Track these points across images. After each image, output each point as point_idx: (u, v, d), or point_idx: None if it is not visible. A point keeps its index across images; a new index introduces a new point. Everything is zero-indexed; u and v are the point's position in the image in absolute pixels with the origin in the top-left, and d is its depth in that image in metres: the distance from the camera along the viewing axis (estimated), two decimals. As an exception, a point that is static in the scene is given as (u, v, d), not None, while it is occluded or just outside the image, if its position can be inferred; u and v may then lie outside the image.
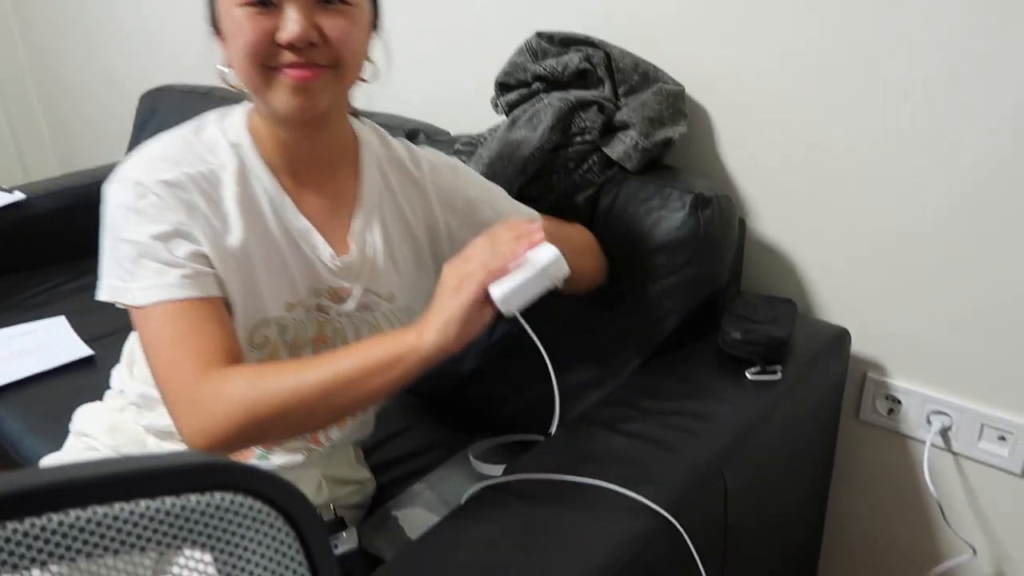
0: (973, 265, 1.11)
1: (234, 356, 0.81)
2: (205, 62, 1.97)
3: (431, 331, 0.78)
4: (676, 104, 1.21)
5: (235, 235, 0.86)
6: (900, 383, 1.24)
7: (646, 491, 0.85)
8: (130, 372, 1.05)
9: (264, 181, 0.89)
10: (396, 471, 1.22)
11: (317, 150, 0.91)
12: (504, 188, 1.11)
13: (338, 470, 1.09)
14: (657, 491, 0.85)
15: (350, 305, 0.94)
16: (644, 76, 1.21)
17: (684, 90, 1.24)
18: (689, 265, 1.13)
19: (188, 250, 0.83)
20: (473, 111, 1.39)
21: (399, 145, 1.03)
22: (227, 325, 0.83)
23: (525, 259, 0.81)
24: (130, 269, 0.82)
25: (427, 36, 1.59)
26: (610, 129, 1.19)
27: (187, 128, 0.91)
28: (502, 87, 1.28)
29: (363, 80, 0.91)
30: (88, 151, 2.70)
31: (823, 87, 1.15)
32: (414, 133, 1.43)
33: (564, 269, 0.82)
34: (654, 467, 0.91)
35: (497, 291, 0.79)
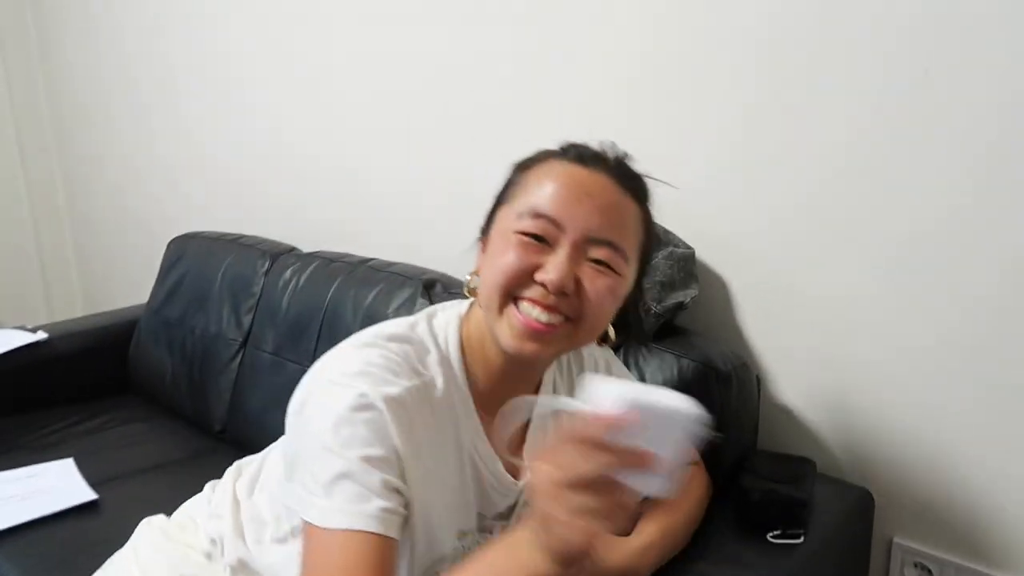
0: (991, 433, 1.09)
1: None
2: (232, 212, 2.06)
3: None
4: (687, 267, 1.24)
5: (427, 461, 0.79)
6: (930, 550, 1.18)
7: None
8: (239, 535, 0.97)
9: (464, 402, 0.83)
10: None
11: (522, 379, 0.87)
12: None
13: None
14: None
15: (512, 520, 0.89)
16: (657, 240, 1.24)
17: (695, 253, 1.27)
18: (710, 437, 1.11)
19: (393, 483, 0.75)
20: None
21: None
22: (395, 571, 0.75)
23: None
24: (327, 485, 0.73)
25: (438, 187, 1.66)
26: None
27: (401, 327, 0.84)
28: None
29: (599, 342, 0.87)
30: (114, 291, 2.77)
31: (834, 244, 1.18)
32: (431, 283, 1.46)
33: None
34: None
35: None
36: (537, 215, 0.76)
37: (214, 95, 2.15)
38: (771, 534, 1.03)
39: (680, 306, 1.21)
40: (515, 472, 0.87)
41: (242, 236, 1.93)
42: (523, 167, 0.83)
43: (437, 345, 0.83)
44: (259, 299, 1.73)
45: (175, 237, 2.04)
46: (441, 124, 1.64)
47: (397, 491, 0.75)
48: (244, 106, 2.07)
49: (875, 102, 1.11)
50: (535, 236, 0.76)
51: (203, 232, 2.03)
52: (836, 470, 1.25)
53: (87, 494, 1.49)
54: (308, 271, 1.67)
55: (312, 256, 1.73)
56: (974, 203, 1.05)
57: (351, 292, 1.55)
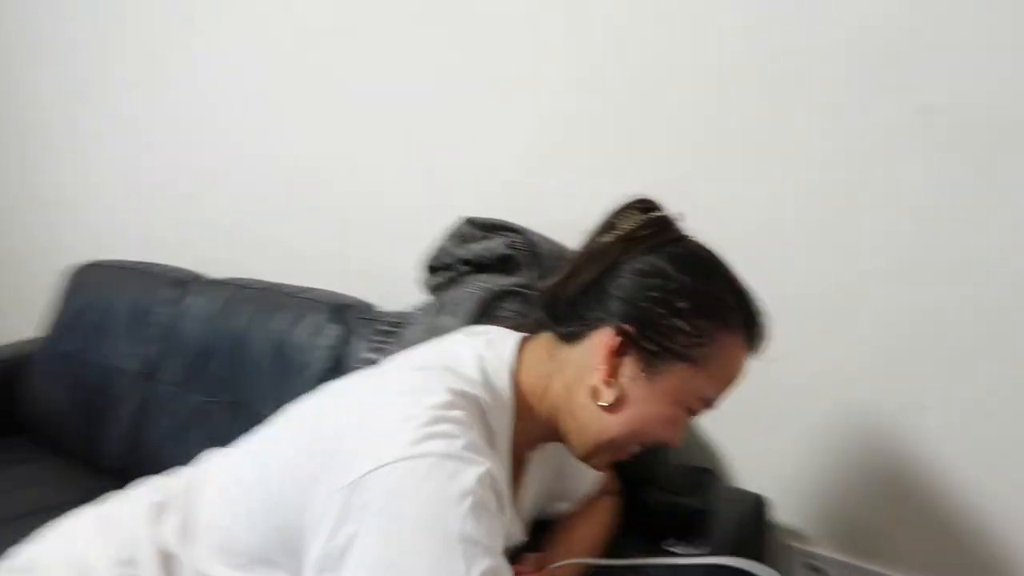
0: (883, 436, 1.17)
1: None
2: (138, 240, 1.99)
3: None
4: None
5: None
6: (823, 551, 1.25)
7: None
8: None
9: (504, 446, 0.80)
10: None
11: (541, 442, 0.89)
12: None
13: None
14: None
15: None
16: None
17: None
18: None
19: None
20: (400, 286, 1.44)
21: None
22: None
23: None
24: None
25: (357, 204, 1.67)
26: None
27: (464, 380, 0.77)
28: (430, 269, 1.34)
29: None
30: (6, 324, 2.63)
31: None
32: (340, 309, 1.46)
33: None
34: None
35: None
36: (711, 403, 0.82)
37: (117, 115, 2.11)
38: (672, 545, 1.07)
39: None
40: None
41: (148, 264, 1.88)
42: (707, 307, 0.78)
43: (495, 400, 0.79)
44: (163, 328, 1.69)
45: (76, 266, 1.97)
46: (356, 144, 1.66)
47: None
48: (152, 126, 2.04)
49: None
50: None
51: (106, 261, 1.96)
52: (735, 479, 1.31)
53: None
54: (215, 298, 1.64)
55: (220, 282, 1.70)
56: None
57: (260, 319, 1.53)
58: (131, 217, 2.13)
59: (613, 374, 0.78)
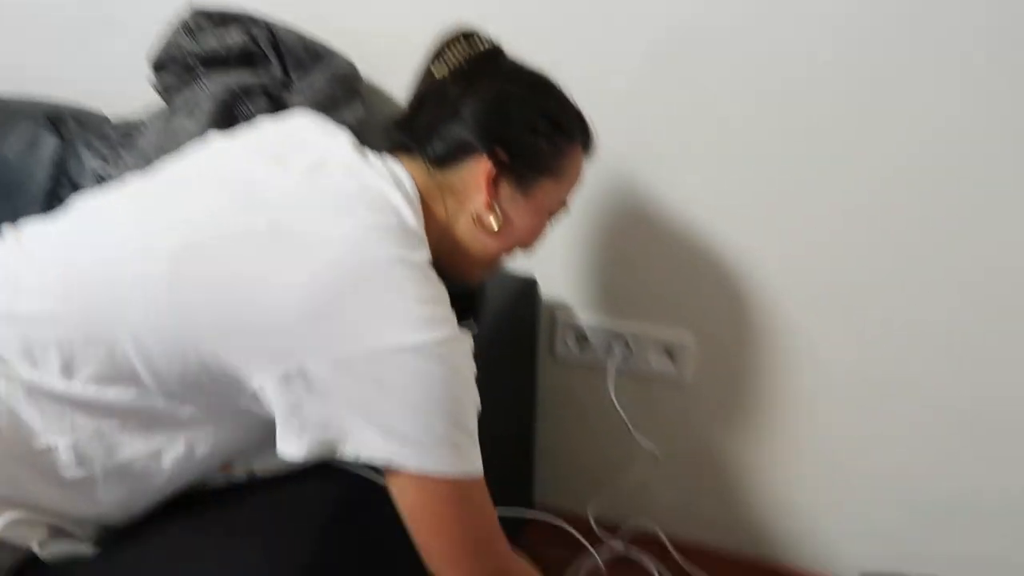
0: (633, 214, 1.25)
1: None
2: None
3: None
4: (349, 85, 1.19)
5: None
6: (585, 320, 1.37)
7: None
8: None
9: None
10: None
11: None
12: None
13: None
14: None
15: None
16: (314, 55, 1.18)
17: (357, 70, 1.22)
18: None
19: None
20: (129, 88, 1.26)
21: None
22: None
23: None
24: (473, 432, 0.76)
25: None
26: (279, 108, 1.14)
27: (397, 214, 0.78)
28: (157, 68, 1.17)
29: None
30: None
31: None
32: (59, 118, 1.26)
33: None
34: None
35: None
36: (565, 206, 0.95)
37: None
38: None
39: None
40: None
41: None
42: (558, 127, 0.89)
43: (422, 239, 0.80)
44: None
45: None
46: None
47: None
48: None
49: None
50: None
51: None
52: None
53: None
54: None
55: None
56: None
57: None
58: None
59: (494, 199, 0.85)
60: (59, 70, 1.42)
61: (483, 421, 0.76)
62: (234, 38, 1.13)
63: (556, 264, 1.34)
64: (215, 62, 1.13)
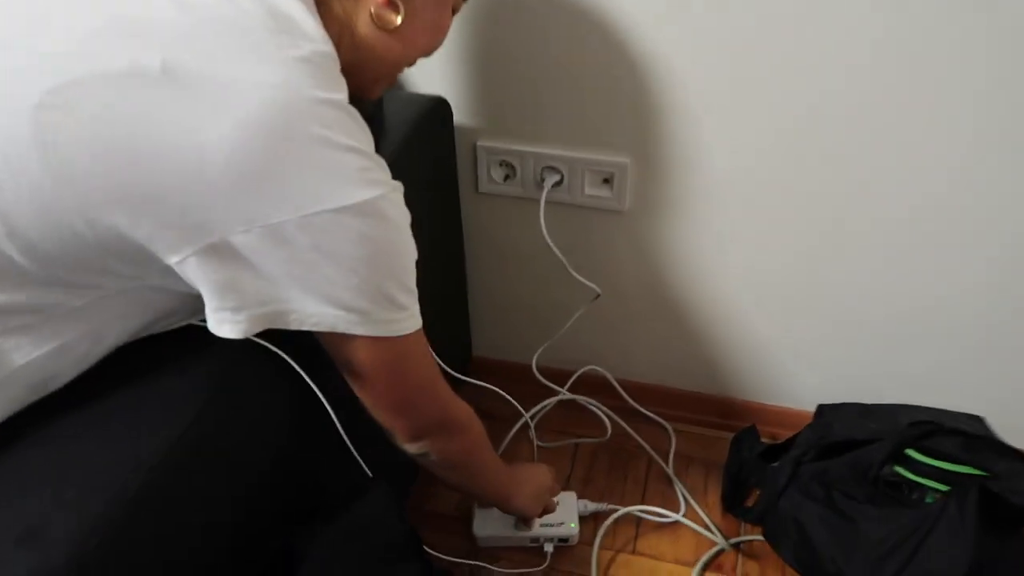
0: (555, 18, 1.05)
1: None
2: None
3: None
4: None
5: None
6: (511, 146, 1.19)
7: None
8: None
9: None
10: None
11: None
12: None
13: None
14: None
15: None
16: None
17: None
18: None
19: None
20: None
21: None
22: None
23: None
24: (412, 290, 0.72)
25: None
26: None
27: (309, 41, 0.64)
28: None
29: None
30: None
31: None
32: None
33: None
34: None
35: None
36: None
37: None
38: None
39: None
40: None
41: None
42: None
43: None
44: None
45: None
46: None
47: None
48: None
49: None
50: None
51: None
52: (409, 84, 1.16)
53: None
54: None
55: None
56: None
57: None
58: None
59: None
60: None
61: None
62: None
63: (465, 82, 1.14)
64: None
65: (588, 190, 1.20)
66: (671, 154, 1.13)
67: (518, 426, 1.37)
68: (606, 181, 1.18)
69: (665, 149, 1.13)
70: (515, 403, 1.24)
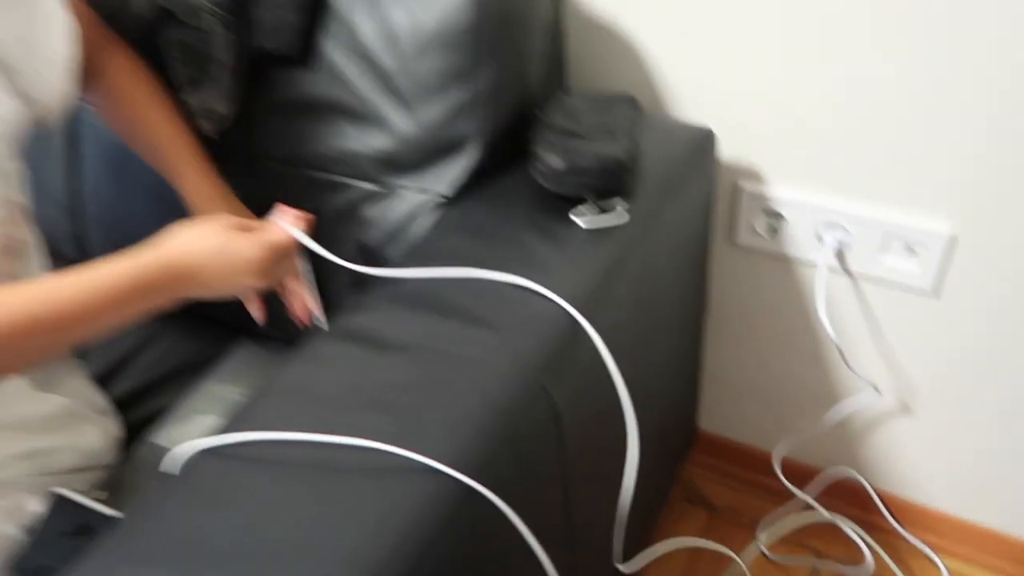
0: (856, 32, 0.78)
1: None
2: None
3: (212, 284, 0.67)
4: None
5: None
6: (782, 192, 0.93)
7: (430, 443, 0.53)
8: None
9: None
10: (158, 399, 0.88)
11: None
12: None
13: (7, 410, 0.71)
14: (447, 441, 0.53)
15: None
16: None
17: None
18: (482, 65, 0.74)
19: None
20: None
21: None
22: None
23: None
24: None
25: None
26: None
27: None
28: None
29: None
30: None
31: None
32: None
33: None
34: (439, 399, 0.57)
35: None
36: None
37: None
38: (578, 213, 0.72)
39: None
40: None
41: None
42: None
43: None
44: None
45: None
46: None
47: None
48: None
49: None
50: None
51: None
52: (669, 105, 0.93)
53: None
54: None
55: None
56: None
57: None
58: None
59: None
60: None
61: (638, 320, 0.62)
62: None
63: (743, 112, 0.89)
64: None
65: (885, 260, 0.92)
66: (1018, 226, 0.82)
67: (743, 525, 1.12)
68: (912, 251, 0.90)
69: (1012, 218, 0.82)
70: (756, 486, 0.98)
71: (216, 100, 0.79)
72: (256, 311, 0.81)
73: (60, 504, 0.67)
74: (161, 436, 0.83)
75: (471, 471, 0.52)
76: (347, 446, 0.53)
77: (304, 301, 0.79)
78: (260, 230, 0.69)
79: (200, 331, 0.97)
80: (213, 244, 0.65)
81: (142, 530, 0.51)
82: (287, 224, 0.70)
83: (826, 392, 1.05)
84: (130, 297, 0.61)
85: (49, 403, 0.75)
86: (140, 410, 0.87)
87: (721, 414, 1.19)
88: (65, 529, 0.66)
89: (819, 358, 1.02)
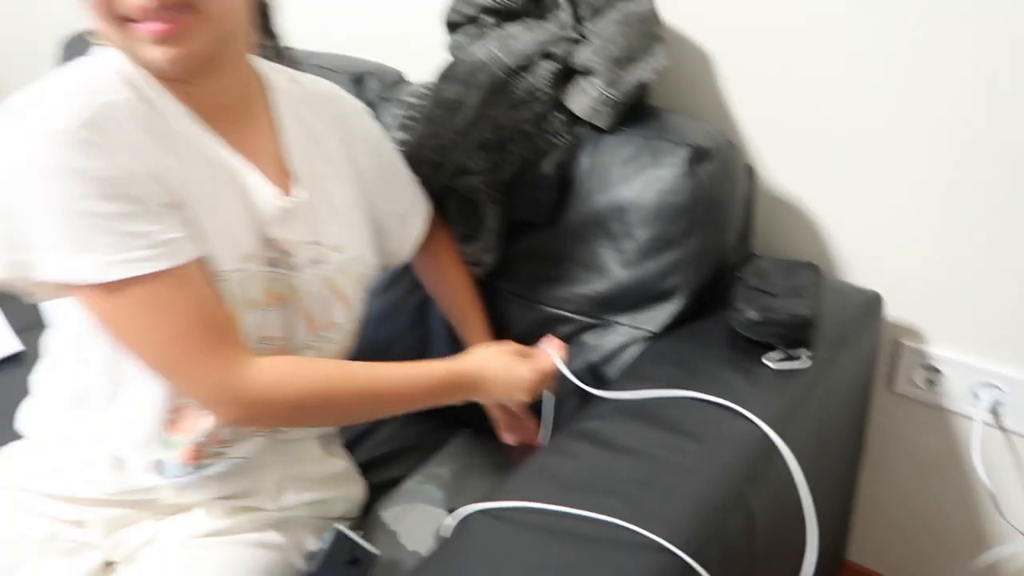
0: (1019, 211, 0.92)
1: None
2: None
3: (494, 394, 0.88)
4: (649, 29, 1.00)
5: (177, 173, 0.72)
6: (940, 351, 1.06)
7: (657, 525, 0.69)
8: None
9: (177, 115, 0.75)
10: (389, 470, 1.06)
11: (218, 97, 0.78)
12: (445, 158, 0.98)
13: (304, 467, 0.92)
14: (670, 525, 0.69)
15: (301, 257, 0.82)
16: None
17: (654, 9, 1.01)
18: (692, 234, 0.94)
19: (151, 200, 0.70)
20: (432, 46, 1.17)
21: (309, 80, 0.92)
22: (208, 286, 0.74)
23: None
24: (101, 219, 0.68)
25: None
26: (570, 73, 0.99)
27: (63, 73, 0.72)
28: (450, 27, 1.07)
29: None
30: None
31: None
32: (360, 79, 1.21)
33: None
34: (662, 492, 0.74)
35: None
36: None
37: None
38: (771, 358, 0.89)
39: (644, 86, 0.99)
40: (284, 185, 0.81)
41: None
42: None
43: (117, 72, 0.72)
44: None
45: (71, 36, 1.73)
46: None
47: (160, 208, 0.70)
48: None
49: None
50: None
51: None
52: (842, 271, 1.09)
53: (12, 344, 1.34)
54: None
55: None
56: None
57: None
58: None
59: None
60: (361, 31, 1.38)
61: (814, 447, 0.71)
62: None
63: (908, 279, 1.05)
64: (503, 13, 1.01)
65: (1040, 420, 1.02)
66: None
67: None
68: (1066, 413, 1.00)
69: None
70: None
71: (483, 252, 1.02)
72: (509, 425, 1.01)
73: (340, 538, 0.84)
74: (388, 510, 0.98)
75: (690, 552, 0.68)
76: (591, 519, 0.70)
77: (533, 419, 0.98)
78: (534, 357, 0.89)
79: (425, 418, 1.18)
80: (502, 364, 0.86)
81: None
82: (553, 351, 0.89)
83: (976, 538, 1.13)
84: (437, 392, 0.84)
85: (334, 465, 0.97)
86: (371, 477, 1.04)
87: (870, 549, 1.27)
88: (343, 559, 0.84)
89: (971, 504, 1.10)
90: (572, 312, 1.01)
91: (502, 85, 0.95)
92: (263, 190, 0.79)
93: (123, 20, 0.68)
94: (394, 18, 1.34)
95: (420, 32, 1.19)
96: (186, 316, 0.70)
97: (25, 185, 0.66)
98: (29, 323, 1.36)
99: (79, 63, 0.74)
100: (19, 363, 1.33)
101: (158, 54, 0.69)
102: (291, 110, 0.85)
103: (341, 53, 1.30)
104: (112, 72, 0.72)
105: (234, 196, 0.77)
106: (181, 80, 0.74)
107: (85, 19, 0.69)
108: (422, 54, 1.14)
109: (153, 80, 0.73)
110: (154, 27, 0.67)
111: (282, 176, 0.82)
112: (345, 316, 0.87)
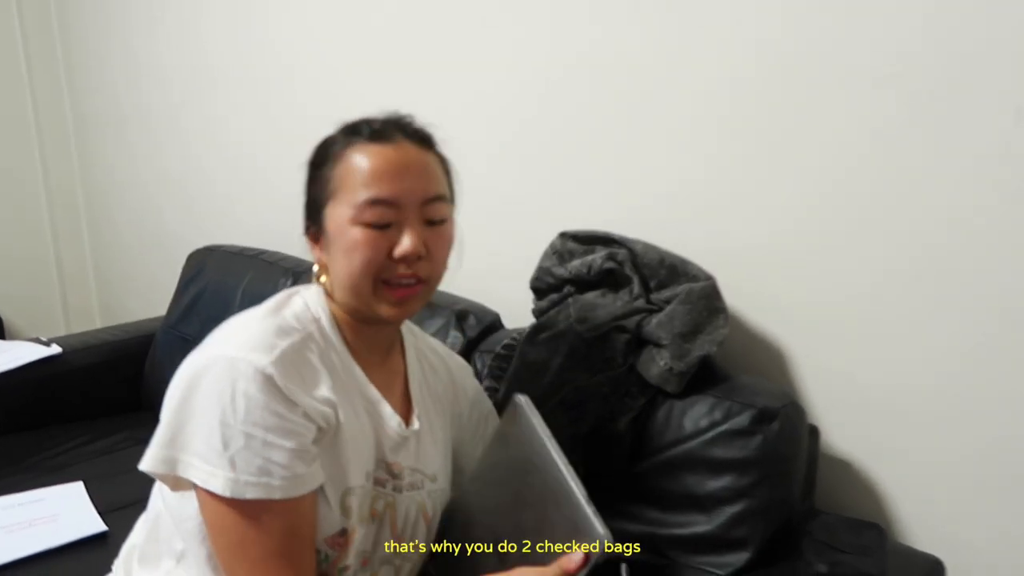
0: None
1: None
2: (254, 225, 1.95)
3: None
4: (710, 303, 1.12)
5: (338, 404, 0.84)
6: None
7: None
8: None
9: (340, 352, 0.89)
10: None
11: (381, 339, 0.94)
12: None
13: None
14: None
15: (404, 480, 0.92)
16: (671, 270, 1.14)
17: (715, 283, 1.14)
18: (759, 488, 1.00)
19: (300, 444, 0.79)
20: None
21: (422, 333, 1.07)
22: (310, 520, 0.82)
23: None
24: (230, 456, 0.77)
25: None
26: (641, 343, 1.11)
27: (267, 307, 0.88)
28: (535, 291, 1.23)
29: None
30: (132, 303, 2.70)
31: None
32: (464, 315, 1.37)
33: None
34: None
35: None
36: (374, 203, 0.82)
37: (241, 107, 2.07)
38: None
39: (706, 358, 1.10)
40: (406, 417, 0.93)
41: (263, 251, 1.84)
42: (320, 162, 0.88)
43: (308, 307, 0.88)
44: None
45: (195, 250, 1.97)
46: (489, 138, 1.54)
47: (304, 450, 0.78)
48: (271, 118, 1.99)
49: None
50: (380, 225, 0.83)
51: (223, 245, 1.94)
52: (902, 534, 1.14)
53: (96, 524, 1.41)
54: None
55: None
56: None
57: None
58: (253, 203, 2.10)
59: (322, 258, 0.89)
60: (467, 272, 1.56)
61: None
62: (597, 260, 1.15)
63: (970, 542, 1.07)
64: (581, 283, 1.16)
65: None
66: None
67: None
68: None
69: None
70: None
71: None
72: None
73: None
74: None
75: None
76: None
77: None
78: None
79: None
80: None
81: None
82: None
83: None
84: None
85: None
86: None
87: None
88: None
89: None
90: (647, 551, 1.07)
91: (583, 354, 1.08)
92: (391, 420, 0.90)
93: (379, 282, 0.84)
94: (494, 261, 1.52)
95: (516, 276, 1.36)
96: (273, 544, 0.77)
97: (207, 402, 0.76)
98: (112, 504, 1.45)
99: (287, 294, 0.90)
100: (102, 543, 1.40)
101: (392, 312, 0.85)
102: (415, 354, 1.00)
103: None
104: (309, 308, 0.88)
105: (371, 424, 0.89)
106: (371, 327, 0.89)
107: (308, 257, 0.90)
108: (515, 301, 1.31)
109: (332, 319, 0.88)
110: (405, 292, 0.84)
111: (406, 408, 0.95)
112: (426, 537, 0.94)
